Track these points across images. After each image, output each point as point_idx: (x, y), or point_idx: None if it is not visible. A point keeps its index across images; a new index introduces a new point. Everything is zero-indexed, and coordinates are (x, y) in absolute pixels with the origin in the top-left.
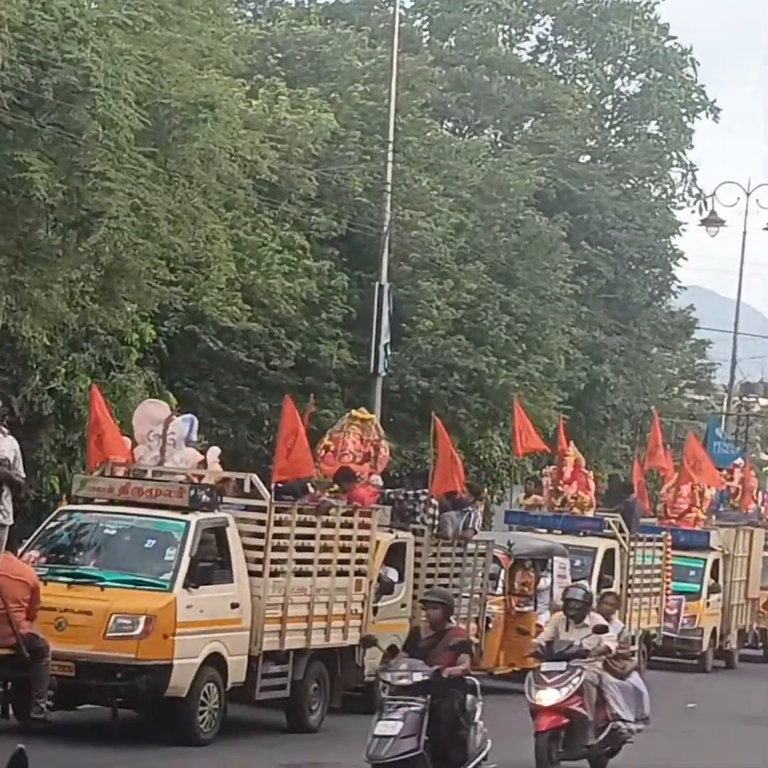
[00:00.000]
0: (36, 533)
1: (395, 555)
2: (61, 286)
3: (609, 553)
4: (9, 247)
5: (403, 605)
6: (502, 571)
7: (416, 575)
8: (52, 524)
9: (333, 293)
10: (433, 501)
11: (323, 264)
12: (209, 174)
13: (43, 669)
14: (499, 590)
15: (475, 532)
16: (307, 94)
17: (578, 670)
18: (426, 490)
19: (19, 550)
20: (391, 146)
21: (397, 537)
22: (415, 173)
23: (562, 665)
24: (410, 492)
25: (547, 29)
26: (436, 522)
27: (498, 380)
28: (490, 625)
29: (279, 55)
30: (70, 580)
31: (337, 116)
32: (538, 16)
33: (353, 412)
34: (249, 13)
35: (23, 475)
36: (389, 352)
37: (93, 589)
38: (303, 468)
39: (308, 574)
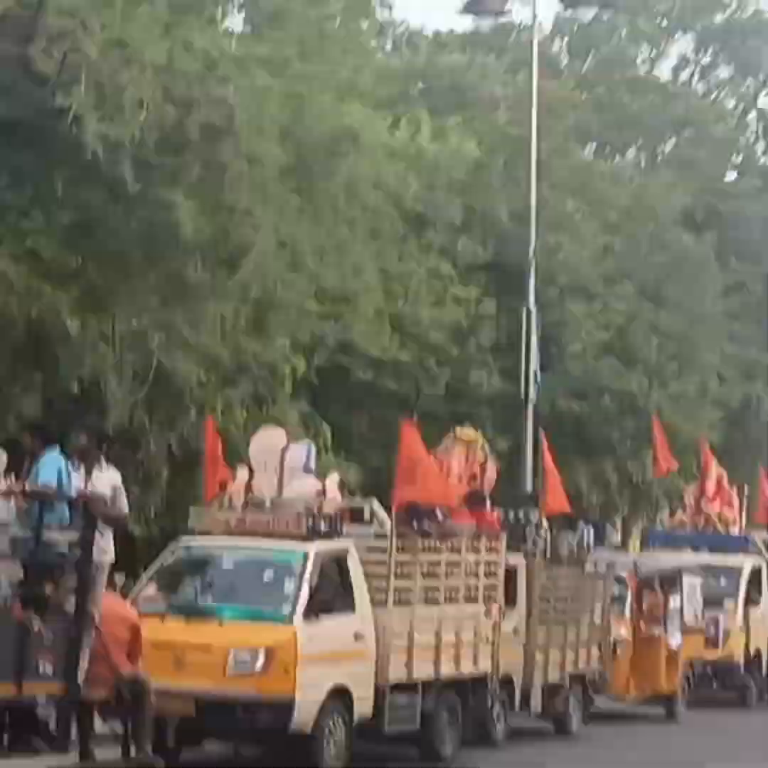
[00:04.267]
0: (152, 567)
1: (507, 579)
2: (212, 322)
3: (756, 572)
4: (159, 286)
5: (516, 632)
6: (629, 593)
7: (529, 600)
8: (169, 558)
9: (481, 320)
10: (545, 522)
11: (471, 291)
12: (354, 205)
13: (144, 712)
14: (627, 613)
15: (589, 551)
16: (449, 123)
17: None
18: (535, 512)
19: (138, 585)
20: (534, 171)
21: (508, 560)
22: (560, 197)
23: None
24: (521, 513)
25: (687, 47)
26: (548, 544)
27: (650, 400)
28: (617, 650)
29: (420, 84)
30: (188, 615)
31: (480, 144)
32: (677, 35)
33: (456, 431)
34: (389, 45)
35: (125, 511)
36: (539, 377)
37: (211, 623)
38: (429, 496)
39: (435, 601)
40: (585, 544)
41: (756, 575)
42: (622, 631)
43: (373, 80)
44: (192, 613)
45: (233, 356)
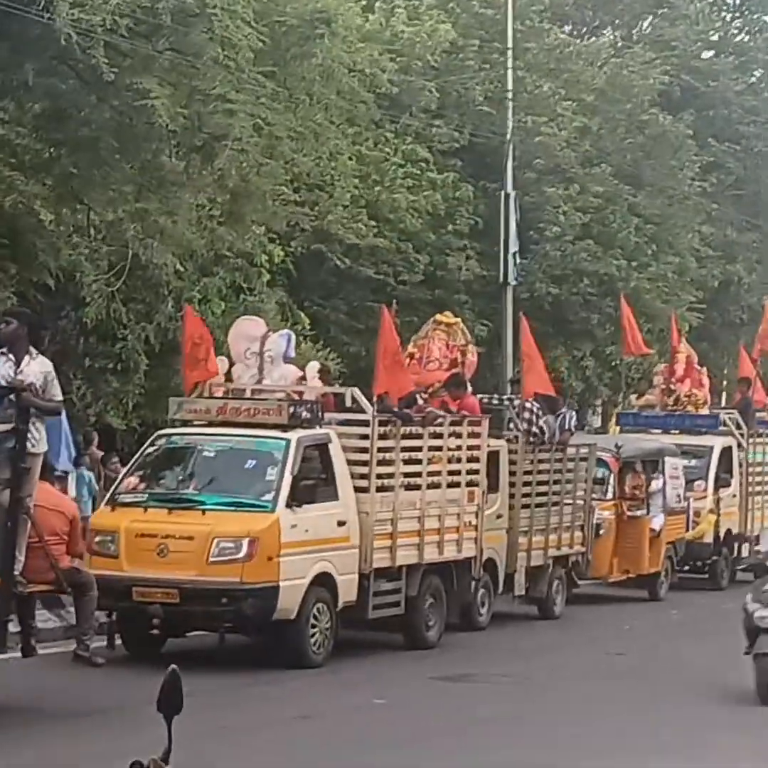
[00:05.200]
0: (134, 459)
1: (489, 463)
2: (188, 212)
3: (726, 452)
4: (133, 175)
5: (499, 516)
6: (611, 475)
7: (512, 484)
8: (150, 449)
9: (458, 204)
10: (527, 405)
11: (447, 176)
12: (329, 90)
13: (86, 605)
14: (609, 495)
15: (572, 434)
16: (423, 6)
17: None
18: (518, 395)
19: (120, 476)
20: (510, 53)
21: (489, 445)
22: (535, 79)
23: None
24: (502, 397)
25: None
26: (533, 427)
27: (629, 283)
28: (601, 532)
29: None
30: (170, 505)
31: (455, 26)
32: None
33: (437, 316)
34: None
35: (59, 399)
36: (518, 261)
37: (194, 513)
38: (404, 386)
39: (417, 487)
40: (566, 428)
41: (726, 455)
42: (604, 513)
43: None
44: (174, 503)
45: (210, 246)
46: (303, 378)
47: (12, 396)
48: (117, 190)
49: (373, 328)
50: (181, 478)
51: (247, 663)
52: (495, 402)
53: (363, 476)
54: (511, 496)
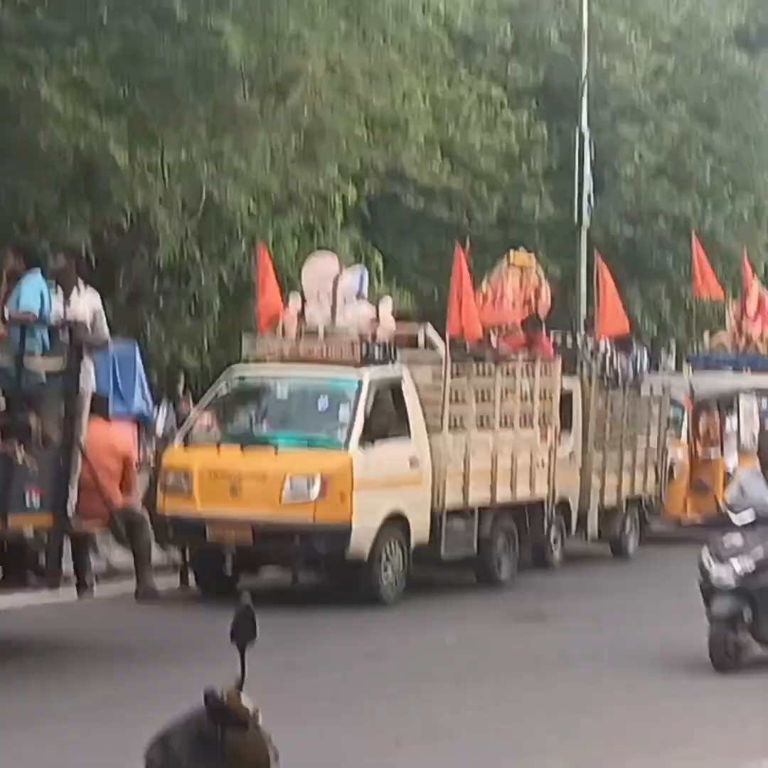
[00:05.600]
0: (206, 397)
1: (562, 404)
2: (261, 152)
3: None
4: (207, 115)
5: (573, 456)
6: (685, 416)
7: (585, 424)
8: (223, 388)
9: (533, 145)
10: (601, 345)
11: (522, 115)
12: (403, 29)
13: (142, 543)
14: (683, 436)
15: (645, 375)
16: None
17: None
18: (592, 335)
19: (191, 414)
20: None
21: (563, 385)
22: (611, 18)
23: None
24: (576, 337)
25: None
26: (607, 368)
27: (704, 223)
28: (675, 472)
29: None
30: (243, 443)
31: None
32: None
33: (511, 256)
34: None
35: (106, 334)
36: (592, 201)
37: (267, 452)
38: (477, 326)
39: (490, 427)
40: (640, 368)
41: None
42: (678, 453)
43: None
44: (247, 441)
45: (283, 186)
46: (376, 317)
47: (66, 332)
48: (190, 131)
49: (446, 268)
50: (253, 417)
51: (319, 601)
52: (569, 342)
53: (436, 415)
54: (585, 436)
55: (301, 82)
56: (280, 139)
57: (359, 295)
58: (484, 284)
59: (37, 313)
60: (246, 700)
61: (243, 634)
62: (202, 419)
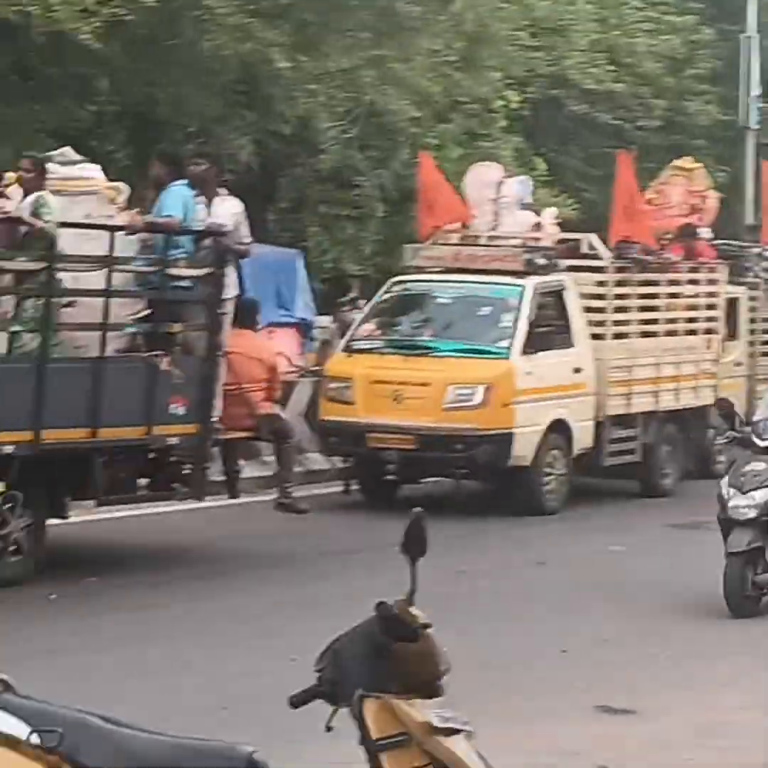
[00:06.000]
0: (369, 306)
1: (728, 311)
2: (424, 58)
3: None
4: (370, 21)
5: (738, 363)
6: None
7: (752, 332)
8: (386, 296)
9: (698, 48)
10: (766, 253)
11: (687, 18)
12: None
13: (286, 452)
14: None
15: None
16: None
17: None
18: (757, 241)
19: (356, 323)
20: None
21: (728, 292)
22: None
23: None
24: (742, 244)
25: None
26: None
27: None
28: None
29: None
30: (406, 352)
31: None
32: None
33: (677, 162)
34: None
35: (247, 240)
36: (760, 105)
37: (429, 359)
38: (642, 232)
39: (654, 334)
40: None
41: None
42: None
43: None
44: (410, 349)
45: (446, 92)
46: (539, 224)
47: (210, 240)
48: (353, 37)
49: (609, 174)
50: (416, 324)
51: (480, 509)
52: (734, 248)
53: (599, 323)
54: (751, 343)
55: None
56: (442, 45)
57: (523, 204)
58: (649, 190)
59: (180, 221)
60: (417, 613)
61: (414, 548)
62: (364, 327)
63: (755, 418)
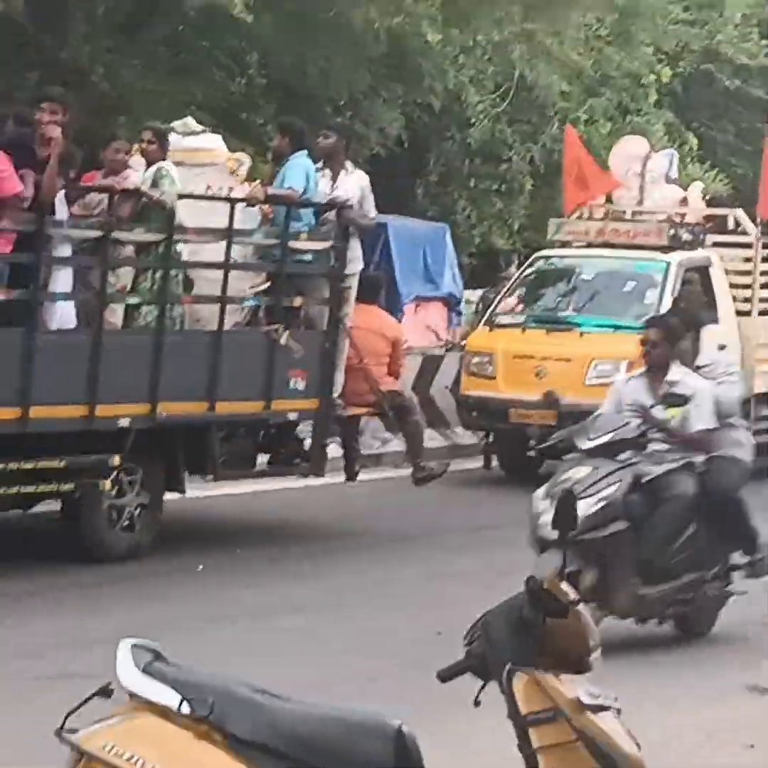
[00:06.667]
0: (512, 280)
1: None
2: (575, 32)
3: None
4: None
5: None
6: None
7: None
8: (528, 271)
9: None
10: None
11: None
12: None
13: (412, 427)
14: None
15: None
16: None
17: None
18: None
19: (498, 298)
20: None
21: None
22: None
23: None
24: None
25: None
26: None
27: None
28: None
29: None
30: (548, 326)
31: None
32: None
33: None
34: None
35: (372, 215)
36: None
37: (572, 335)
38: None
39: None
40: None
41: None
42: None
43: None
44: (552, 324)
45: (597, 66)
46: (685, 199)
47: (332, 213)
48: (504, 10)
49: (761, 150)
50: (559, 299)
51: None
52: None
53: (746, 300)
54: None
55: None
56: (593, 19)
57: (669, 178)
58: None
59: (301, 192)
60: (567, 588)
61: (564, 523)
62: (507, 302)
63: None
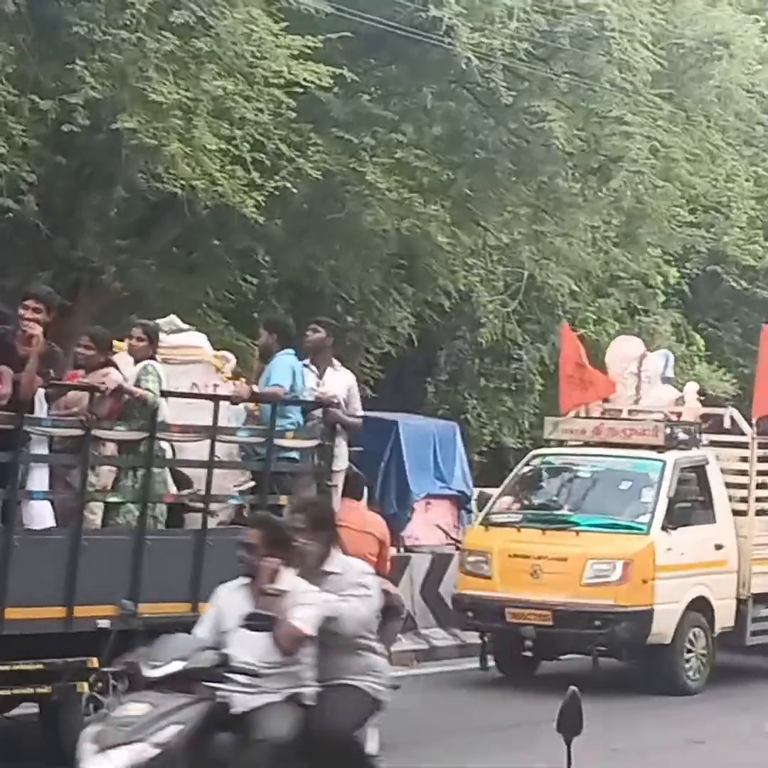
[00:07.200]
0: (508, 479)
1: None
2: (583, 233)
3: None
4: (530, 198)
5: None
6: None
7: None
8: (525, 469)
9: None
10: None
11: None
12: (726, 112)
13: (390, 630)
14: None
15: None
16: None
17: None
18: None
19: (494, 496)
20: None
21: None
22: None
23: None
24: None
25: None
26: None
27: None
28: None
29: None
30: (544, 525)
31: None
32: None
33: None
34: None
35: (360, 413)
36: None
37: (568, 534)
38: None
39: None
40: None
41: None
42: None
43: None
44: (548, 523)
45: (605, 267)
46: (681, 399)
47: (318, 411)
48: (513, 212)
49: None
50: (555, 498)
51: (620, 687)
52: None
53: (742, 499)
54: None
55: (624, 164)
56: (601, 221)
57: (664, 378)
58: None
59: (287, 390)
60: None
61: (569, 726)
62: (503, 500)
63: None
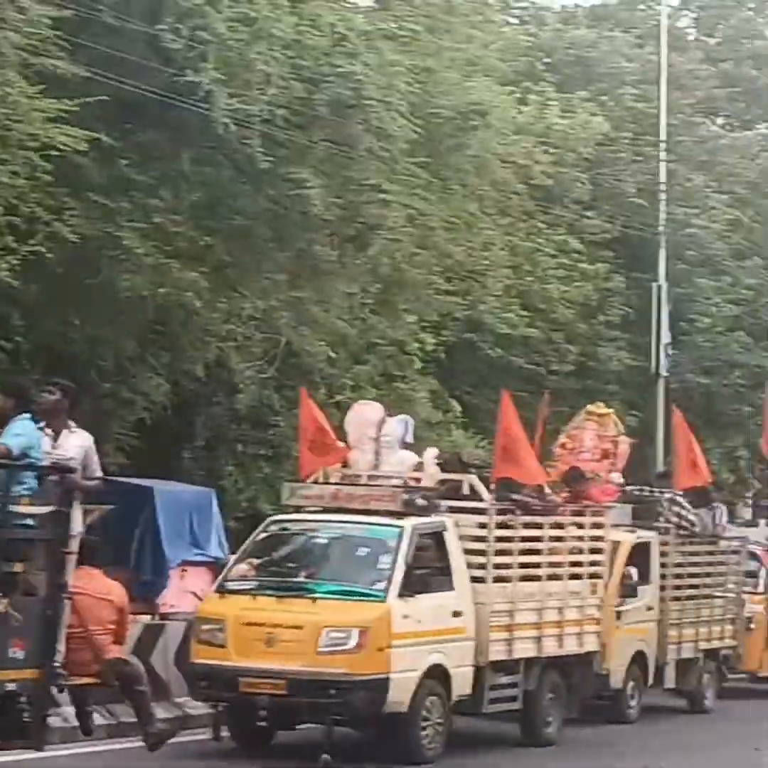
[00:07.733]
0: (245, 545)
1: (639, 555)
2: (341, 300)
3: None
4: (288, 264)
5: (650, 608)
6: (763, 569)
7: (663, 576)
8: (262, 535)
9: (610, 295)
10: (677, 498)
11: (599, 267)
12: (483, 181)
13: (138, 696)
14: (761, 588)
15: (724, 528)
16: (576, 98)
17: None
18: (668, 487)
19: (230, 563)
20: (663, 146)
21: (639, 537)
22: (688, 172)
23: None
24: (653, 489)
25: None
26: (682, 520)
27: None
28: (752, 626)
29: (547, 60)
30: (280, 593)
31: (608, 119)
32: None
33: (589, 407)
34: (515, 20)
35: (97, 474)
36: (670, 352)
37: (304, 601)
38: (535, 475)
39: (537, 578)
40: (718, 522)
41: None
42: (756, 607)
43: (499, 55)
44: (284, 590)
45: (362, 334)
46: (420, 464)
47: (55, 476)
48: (270, 279)
49: (524, 416)
50: (291, 565)
51: (356, 757)
52: (646, 494)
53: (480, 566)
54: (662, 588)
55: (381, 232)
56: (358, 288)
57: (403, 443)
58: (562, 434)
59: (15, 452)
60: None
61: None
62: (239, 567)
63: None
